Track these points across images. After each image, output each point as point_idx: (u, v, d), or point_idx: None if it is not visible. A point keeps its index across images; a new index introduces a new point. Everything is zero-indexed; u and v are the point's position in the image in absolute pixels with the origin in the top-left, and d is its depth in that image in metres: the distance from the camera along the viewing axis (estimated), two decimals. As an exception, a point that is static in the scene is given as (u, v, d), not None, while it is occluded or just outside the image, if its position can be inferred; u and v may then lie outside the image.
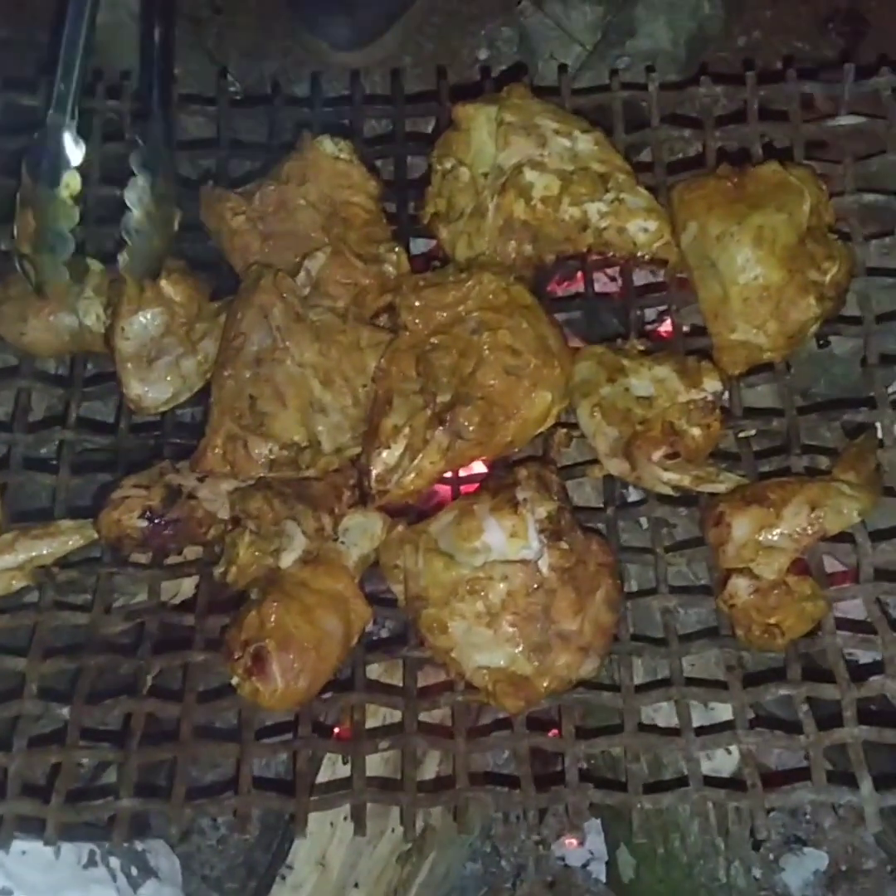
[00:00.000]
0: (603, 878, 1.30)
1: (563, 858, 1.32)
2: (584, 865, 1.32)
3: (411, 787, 0.96)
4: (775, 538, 1.00)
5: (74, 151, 1.02)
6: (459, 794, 0.95)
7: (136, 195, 1.03)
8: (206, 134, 1.26)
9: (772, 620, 0.98)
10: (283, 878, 1.18)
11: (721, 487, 1.04)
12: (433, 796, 0.97)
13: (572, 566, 0.99)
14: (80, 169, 1.03)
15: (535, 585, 0.98)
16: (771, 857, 1.30)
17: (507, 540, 0.99)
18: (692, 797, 0.96)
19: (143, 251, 1.05)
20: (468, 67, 1.54)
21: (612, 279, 1.30)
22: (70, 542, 1.03)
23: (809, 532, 1.00)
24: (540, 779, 0.97)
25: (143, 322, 1.07)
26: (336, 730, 1.18)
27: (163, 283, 1.07)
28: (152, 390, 1.08)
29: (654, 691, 1.01)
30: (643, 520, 1.15)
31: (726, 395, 1.08)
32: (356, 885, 1.19)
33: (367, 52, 1.51)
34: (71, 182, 1.02)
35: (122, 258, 1.04)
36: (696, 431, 1.05)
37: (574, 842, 1.32)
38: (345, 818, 1.17)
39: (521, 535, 0.99)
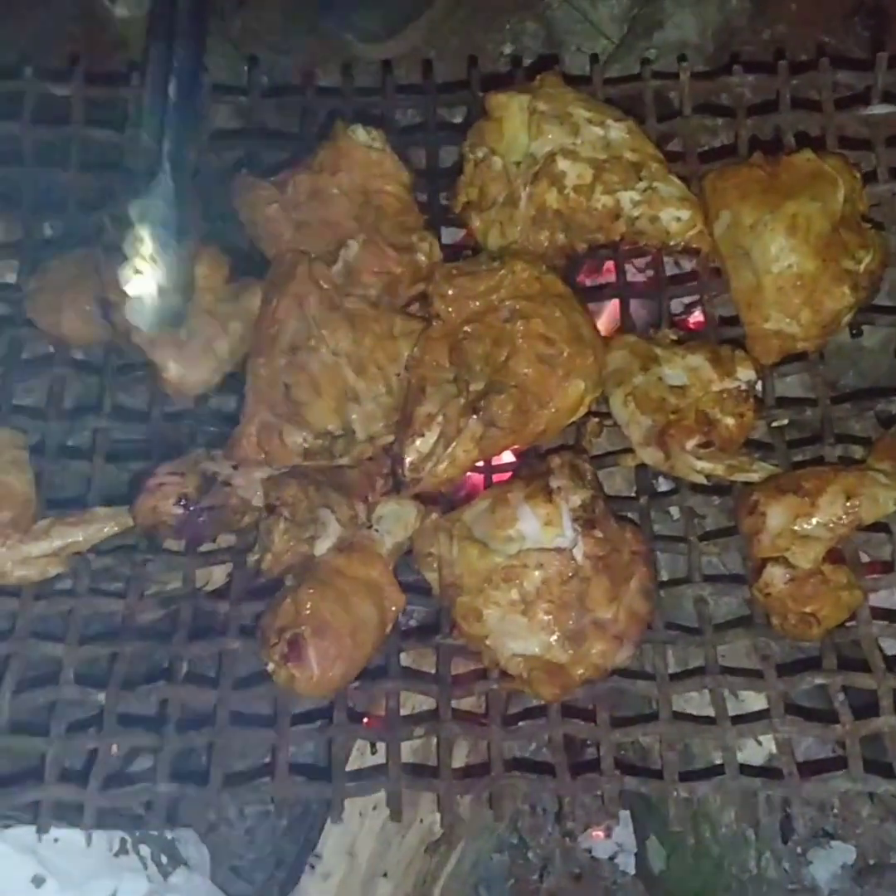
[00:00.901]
0: (630, 870, 1.30)
1: (589, 850, 1.32)
2: (612, 858, 1.31)
3: (447, 773, 0.96)
4: (811, 527, 1.00)
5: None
6: (495, 781, 0.95)
7: (133, 246, 1.02)
8: (234, 124, 1.25)
9: (807, 609, 0.98)
10: (312, 867, 1.18)
11: (755, 476, 1.04)
12: (469, 783, 0.97)
13: (606, 554, 0.99)
14: None
15: (570, 573, 0.98)
16: (799, 850, 1.29)
17: (542, 528, 0.99)
18: (729, 785, 0.96)
19: (149, 299, 1.03)
20: (493, 61, 1.54)
21: (640, 270, 1.30)
22: (105, 530, 1.03)
23: (845, 521, 1.00)
24: (572, 767, 0.97)
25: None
26: (365, 719, 1.18)
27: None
28: (191, 371, 1.07)
29: (689, 680, 1.00)
30: (672, 510, 1.15)
31: (759, 384, 1.08)
32: (385, 875, 1.19)
33: (392, 45, 1.50)
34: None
35: (123, 306, 1.03)
36: (729, 420, 1.05)
37: (601, 834, 1.32)
38: (374, 808, 1.17)
39: (556, 523, 0.99)
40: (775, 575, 0.99)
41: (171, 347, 1.07)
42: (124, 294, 1.02)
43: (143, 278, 1.02)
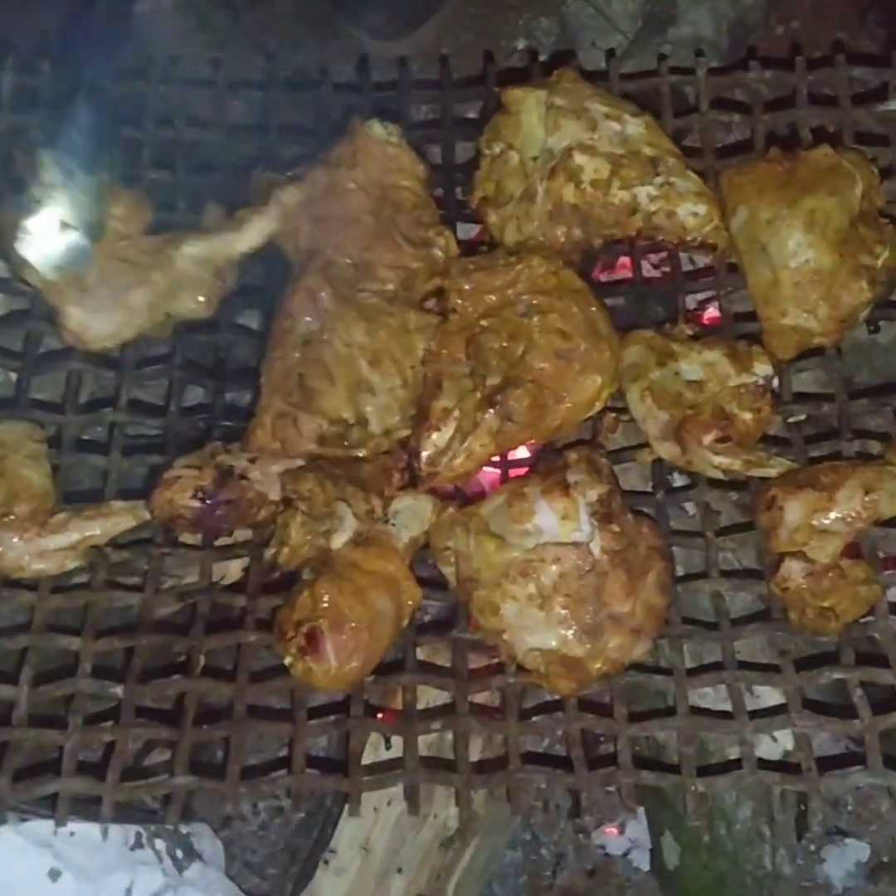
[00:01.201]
0: (643, 867, 1.30)
1: (603, 847, 1.32)
2: (625, 854, 1.32)
3: (465, 767, 0.96)
4: (829, 522, 1.00)
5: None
6: (512, 775, 0.95)
7: (33, 172, 0.97)
8: (250, 120, 1.25)
9: (825, 604, 0.98)
10: (327, 862, 1.19)
11: (772, 472, 1.04)
12: (487, 777, 0.96)
13: (623, 549, 0.99)
14: None
15: (587, 568, 0.98)
16: (812, 847, 1.29)
17: (559, 522, 0.99)
18: (747, 780, 0.95)
19: (48, 234, 0.97)
20: (507, 57, 1.54)
21: (655, 266, 1.30)
22: (122, 523, 1.03)
23: (863, 516, 1.00)
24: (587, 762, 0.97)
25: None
26: (379, 714, 1.18)
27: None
28: (95, 322, 0.99)
29: (707, 675, 1.00)
30: (688, 505, 1.15)
31: (776, 379, 1.08)
32: (399, 871, 1.20)
33: (405, 44, 1.51)
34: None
35: (14, 239, 0.96)
36: (746, 415, 1.05)
37: (614, 830, 1.32)
38: (388, 803, 1.17)
39: (573, 517, 0.99)
40: (793, 569, 0.99)
41: (74, 292, 0.99)
42: (18, 224, 0.95)
43: (44, 209, 0.95)
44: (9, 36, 1.22)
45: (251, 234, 1.06)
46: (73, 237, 0.97)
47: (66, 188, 0.96)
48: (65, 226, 0.96)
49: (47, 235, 0.95)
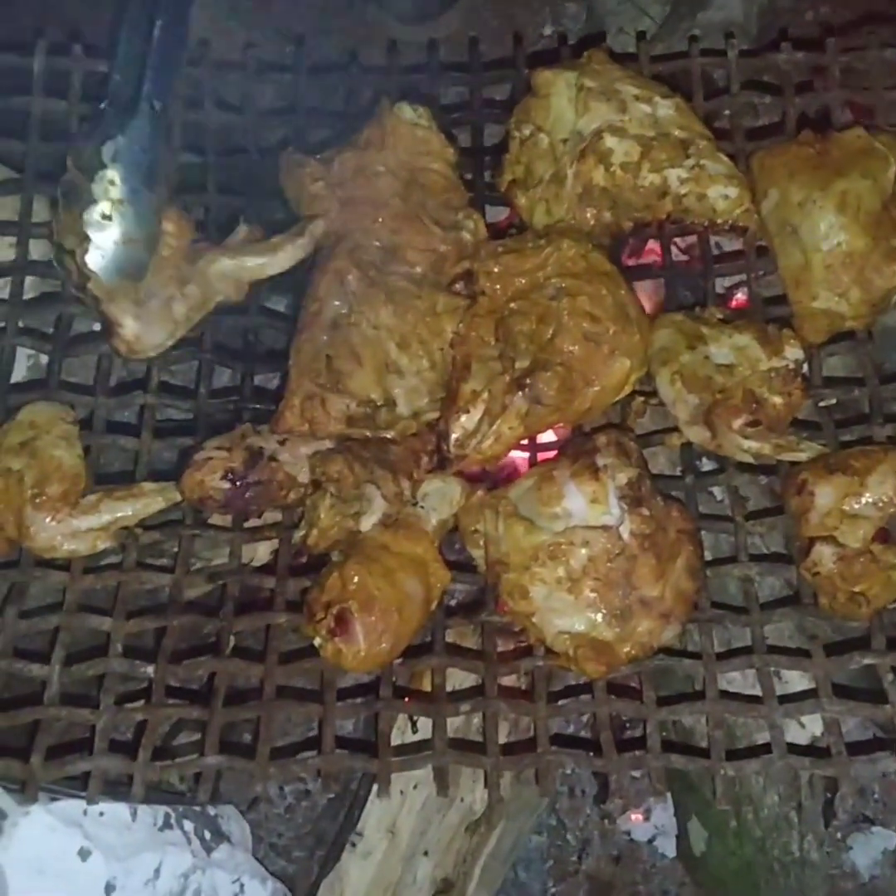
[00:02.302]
0: (669, 853, 1.30)
1: (628, 833, 1.32)
2: (651, 840, 1.31)
3: (494, 749, 0.96)
4: (860, 506, 0.99)
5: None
6: (542, 757, 0.95)
7: (102, 188, 0.99)
8: (279, 103, 1.25)
9: (856, 589, 0.98)
10: (353, 845, 1.19)
11: (802, 456, 1.03)
12: (515, 759, 0.96)
13: (653, 532, 0.99)
14: None
15: (616, 551, 0.98)
16: (838, 835, 1.29)
17: (588, 505, 0.99)
18: (776, 764, 0.95)
19: (112, 247, 1.01)
20: (533, 43, 1.53)
21: (682, 251, 1.30)
22: (153, 504, 1.04)
23: (895, 501, 0.99)
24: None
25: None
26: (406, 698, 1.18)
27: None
28: (148, 331, 1.03)
29: (736, 659, 1.00)
30: (715, 490, 1.15)
31: (806, 364, 1.07)
32: (425, 854, 1.20)
33: (433, 27, 1.50)
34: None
35: (85, 251, 1.00)
36: (777, 399, 1.04)
37: (640, 817, 1.31)
38: (415, 786, 1.18)
39: (602, 500, 0.99)
40: (824, 554, 0.99)
41: (130, 304, 1.03)
42: (86, 238, 0.98)
43: (109, 224, 0.98)
44: (41, 23, 1.22)
45: (282, 260, 1.09)
46: (133, 251, 1.01)
47: (132, 204, 1.00)
48: (128, 240, 1.00)
49: (112, 249, 0.99)
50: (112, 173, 0.98)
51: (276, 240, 1.09)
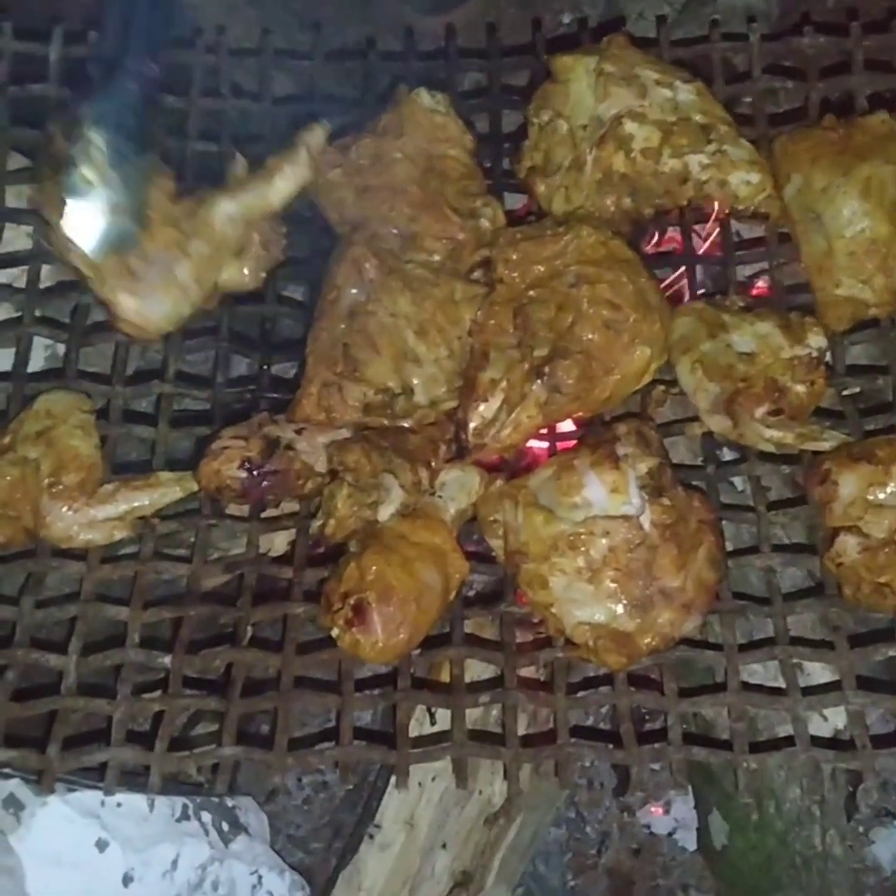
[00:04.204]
0: (689, 846, 1.29)
1: (648, 826, 1.31)
2: (671, 834, 1.30)
3: (514, 741, 0.95)
4: (885, 496, 0.98)
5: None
6: (561, 749, 0.95)
7: (83, 151, 0.94)
8: (297, 90, 1.25)
9: (881, 580, 0.96)
10: (372, 837, 1.18)
11: (825, 445, 1.02)
12: (535, 751, 0.96)
13: (674, 522, 0.98)
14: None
15: (637, 541, 0.97)
16: (861, 829, 1.28)
17: (608, 495, 0.98)
18: (800, 757, 0.94)
19: (98, 217, 0.95)
20: (552, 30, 1.52)
21: (703, 239, 1.28)
22: (170, 494, 1.03)
23: (920, 490, 0.98)
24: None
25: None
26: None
27: None
28: (151, 305, 0.97)
29: (758, 651, 0.99)
30: (736, 480, 1.13)
31: (829, 352, 1.06)
32: (444, 846, 1.19)
33: (450, 16, 1.49)
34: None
35: (62, 216, 0.94)
36: (800, 388, 1.03)
37: (659, 810, 1.30)
38: (433, 779, 1.17)
39: (622, 490, 0.98)
40: (848, 544, 0.97)
41: (121, 280, 0.97)
42: (63, 202, 0.92)
43: (93, 190, 0.93)
44: (56, 11, 1.21)
45: (284, 184, 1.03)
46: (123, 220, 0.96)
47: (117, 169, 0.94)
48: (115, 208, 0.95)
49: (96, 218, 0.94)
50: (94, 135, 0.93)
51: (271, 162, 1.03)
